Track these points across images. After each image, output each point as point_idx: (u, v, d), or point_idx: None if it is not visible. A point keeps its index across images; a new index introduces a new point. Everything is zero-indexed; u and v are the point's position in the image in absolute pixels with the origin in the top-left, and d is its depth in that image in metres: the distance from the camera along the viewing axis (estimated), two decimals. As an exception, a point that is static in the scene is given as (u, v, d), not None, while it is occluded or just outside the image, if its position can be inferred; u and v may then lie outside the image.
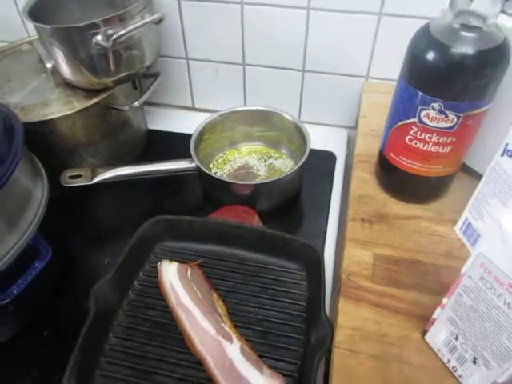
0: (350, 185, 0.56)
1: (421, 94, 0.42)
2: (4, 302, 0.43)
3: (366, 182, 0.56)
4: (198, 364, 0.46)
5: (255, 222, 0.59)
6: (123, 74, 0.62)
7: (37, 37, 0.71)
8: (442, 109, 0.41)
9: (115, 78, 0.61)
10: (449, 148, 0.44)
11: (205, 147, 0.67)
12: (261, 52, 0.73)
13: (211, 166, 0.71)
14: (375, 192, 0.54)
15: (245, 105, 0.81)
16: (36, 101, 0.62)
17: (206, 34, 0.73)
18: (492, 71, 0.39)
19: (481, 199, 0.44)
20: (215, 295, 0.52)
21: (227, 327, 0.49)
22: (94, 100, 0.61)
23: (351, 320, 0.42)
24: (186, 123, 0.80)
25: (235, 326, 0.49)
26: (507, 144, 0.38)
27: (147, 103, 0.79)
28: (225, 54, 0.75)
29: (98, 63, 0.59)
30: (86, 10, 0.66)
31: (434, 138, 0.44)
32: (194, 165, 0.62)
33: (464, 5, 0.38)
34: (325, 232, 0.63)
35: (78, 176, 0.60)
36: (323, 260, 0.51)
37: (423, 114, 0.42)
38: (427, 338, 0.40)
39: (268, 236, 0.56)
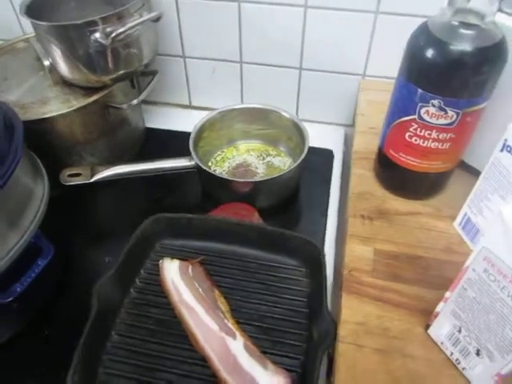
0: (350, 182, 0.56)
1: (420, 91, 0.42)
2: (8, 300, 0.43)
3: (365, 178, 0.56)
4: (202, 360, 0.47)
5: (255, 219, 0.59)
6: (121, 72, 0.61)
7: (33, 35, 0.71)
8: (442, 105, 0.41)
9: (113, 75, 0.61)
10: (448, 144, 0.45)
11: (204, 145, 0.67)
12: (258, 50, 0.73)
13: (210, 163, 0.71)
14: (374, 189, 0.55)
15: (242, 103, 0.81)
16: (34, 99, 0.62)
17: (203, 32, 0.73)
18: (490, 68, 0.40)
19: (480, 195, 0.44)
20: (217, 292, 0.52)
21: (230, 324, 0.49)
22: (93, 98, 0.60)
23: (354, 315, 0.42)
24: (183, 121, 0.80)
25: (238, 323, 0.49)
26: (506, 140, 0.39)
27: (144, 101, 0.78)
28: (222, 52, 0.75)
29: (96, 61, 0.59)
30: (83, 8, 0.66)
31: (434, 135, 0.44)
32: (193, 163, 0.62)
33: (462, 3, 0.39)
34: (324, 228, 0.63)
35: (77, 174, 0.60)
36: (324, 256, 0.51)
37: (423, 110, 0.43)
38: (430, 331, 0.40)
39: (268, 233, 0.56)
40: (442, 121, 0.43)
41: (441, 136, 0.44)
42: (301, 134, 0.64)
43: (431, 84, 0.41)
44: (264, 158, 0.72)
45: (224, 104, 0.69)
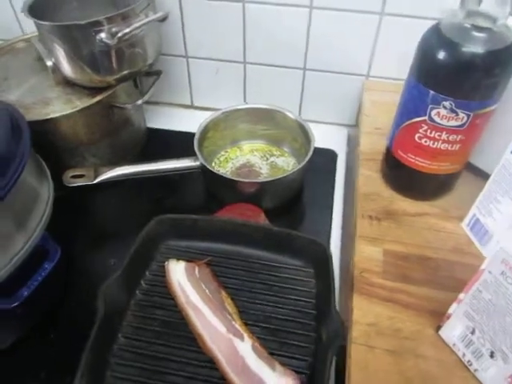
0: (356, 183, 0.56)
1: (432, 92, 0.42)
2: (14, 305, 0.43)
3: (372, 179, 0.56)
4: (210, 362, 0.46)
5: (261, 220, 0.59)
6: (125, 72, 0.61)
7: (33, 34, 0.70)
8: (453, 107, 0.41)
9: (118, 75, 0.61)
10: (458, 146, 0.45)
11: (208, 145, 0.67)
12: (262, 50, 0.72)
13: (213, 164, 0.71)
14: (381, 189, 0.55)
15: (245, 103, 0.81)
16: (35, 99, 0.61)
17: (207, 33, 0.72)
18: (502, 70, 0.40)
19: (489, 196, 0.44)
20: (224, 293, 0.52)
21: (238, 325, 0.49)
22: (97, 98, 0.60)
23: (365, 316, 0.42)
24: (184, 121, 0.80)
25: (245, 324, 0.49)
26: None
27: (146, 101, 0.78)
28: (226, 53, 0.74)
29: (100, 61, 0.58)
30: (85, 8, 0.65)
31: (444, 136, 0.44)
32: (197, 163, 0.62)
33: (473, 5, 0.39)
34: (329, 229, 0.63)
35: (80, 176, 0.60)
36: (331, 257, 0.51)
37: (434, 112, 0.43)
38: (441, 332, 0.40)
39: (274, 234, 0.56)
40: (453, 122, 0.43)
41: (451, 138, 0.44)
42: (306, 135, 0.64)
43: (443, 86, 0.41)
44: (268, 159, 0.72)
45: (226, 104, 0.69)
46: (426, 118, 0.44)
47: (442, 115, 0.43)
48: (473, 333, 0.36)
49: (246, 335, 0.48)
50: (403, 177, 0.52)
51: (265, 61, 0.74)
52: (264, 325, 0.49)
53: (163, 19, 0.56)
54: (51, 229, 0.50)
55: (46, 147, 0.58)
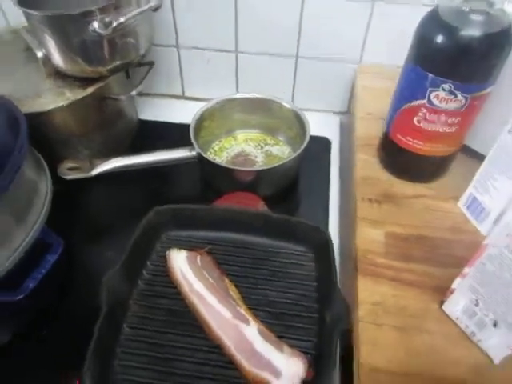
0: (354, 167, 0.57)
1: (431, 75, 0.43)
2: (19, 297, 0.42)
3: (369, 164, 0.57)
4: (217, 348, 0.47)
5: (261, 207, 0.60)
6: (118, 63, 0.60)
7: (20, 26, 0.68)
8: (452, 89, 0.43)
9: (110, 66, 0.60)
10: (455, 128, 0.46)
11: (204, 135, 0.67)
12: (254, 39, 0.72)
13: (208, 153, 0.71)
14: (379, 173, 0.56)
15: (237, 92, 0.81)
16: (27, 92, 0.60)
17: (198, 22, 0.72)
18: (499, 53, 0.41)
19: (486, 175, 0.46)
20: (227, 281, 0.52)
21: (243, 310, 0.49)
22: (91, 89, 0.59)
23: (371, 295, 0.43)
24: (176, 112, 0.80)
25: (250, 309, 0.50)
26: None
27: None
28: (217, 42, 0.74)
29: (92, 51, 0.57)
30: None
31: (443, 119, 0.45)
32: (194, 153, 0.62)
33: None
34: (327, 213, 0.64)
35: (75, 168, 0.59)
36: (331, 240, 0.52)
37: (433, 95, 0.44)
38: (445, 307, 0.42)
39: (274, 220, 0.57)
40: (452, 105, 0.44)
41: (449, 120, 0.45)
42: (301, 124, 0.65)
43: (443, 69, 0.42)
44: (262, 147, 0.72)
45: (218, 94, 0.69)
46: (425, 101, 0.45)
47: (441, 98, 0.44)
48: (476, 305, 0.38)
49: (251, 320, 0.48)
50: (401, 160, 0.53)
51: (257, 49, 0.74)
52: (268, 309, 0.50)
53: (156, 8, 0.55)
54: (47, 222, 0.49)
55: (39, 140, 0.57)
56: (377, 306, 0.42)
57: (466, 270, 0.38)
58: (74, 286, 0.56)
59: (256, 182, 0.62)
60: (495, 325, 0.36)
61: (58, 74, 0.62)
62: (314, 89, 0.78)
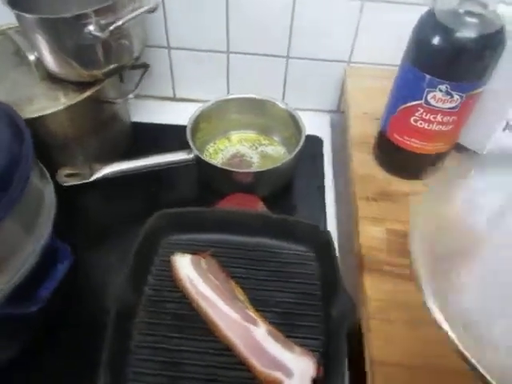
0: (351, 166, 0.58)
1: (428, 76, 0.45)
2: (35, 308, 0.41)
3: (365, 162, 0.59)
4: (227, 350, 0.47)
5: (260, 208, 0.60)
6: (113, 66, 0.59)
7: (8, 27, 0.66)
8: (449, 90, 0.44)
9: (105, 69, 0.59)
10: (450, 126, 0.48)
11: (200, 137, 0.67)
12: (246, 39, 0.73)
13: (204, 155, 0.71)
14: (376, 171, 0.57)
15: (228, 93, 0.81)
16: (19, 96, 0.59)
17: (190, 23, 0.71)
18: (492, 53, 0.43)
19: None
20: (233, 283, 0.53)
21: (251, 312, 0.50)
22: (87, 93, 0.58)
23: (378, 292, 0.45)
24: (168, 114, 0.79)
25: (257, 311, 0.50)
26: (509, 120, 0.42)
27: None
28: (209, 43, 0.74)
29: (87, 55, 0.56)
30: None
31: (439, 118, 0.47)
32: (191, 155, 0.62)
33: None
34: (324, 212, 0.65)
35: (74, 174, 0.58)
36: (332, 238, 0.53)
37: (430, 95, 0.45)
38: (449, 300, 0.43)
39: (274, 220, 0.57)
40: (448, 104, 0.45)
41: (445, 119, 0.47)
42: (296, 124, 0.66)
43: (440, 70, 0.44)
44: (257, 148, 0.73)
45: (210, 95, 0.69)
46: (422, 101, 0.46)
47: (438, 98, 0.45)
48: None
49: (259, 321, 0.49)
50: (398, 158, 0.55)
51: (248, 50, 0.74)
52: (274, 309, 0.51)
53: (153, 10, 0.55)
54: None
55: (35, 147, 0.56)
56: (384, 302, 0.44)
57: (471, 264, 0.39)
58: (79, 293, 0.55)
59: (254, 182, 0.63)
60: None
61: (52, 78, 0.61)
62: (304, 88, 0.79)
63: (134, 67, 0.66)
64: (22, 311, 0.42)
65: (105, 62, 0.58)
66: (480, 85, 0.45)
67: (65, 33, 0.54)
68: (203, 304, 0.50)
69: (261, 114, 0.71)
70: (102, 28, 0.53)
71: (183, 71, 0.79)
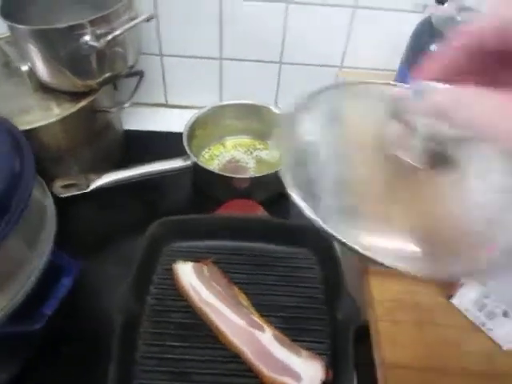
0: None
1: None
2: (38, 326, 0.40)
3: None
4: (234, 357, 0.47)
5: (260, 213, 0.60)
6: (108, 75, 0.59)
7: (-1, 37, 0.65)
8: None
9: (100, 79, 0.58)
10: (448, 130, 0.49)
11: (196, 143, 0.67)
12: (239, 46, 0.73)
13: (199, 162, 0.71)
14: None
15: (221, 99, 0.81)
16: (13, 108, 0.58)
17: (182, 30, 0.71)
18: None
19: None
20: (236, 289, 0.53)
21: (256, 318, 0.50)
22: (82, 103, 0.58)
23: (384, 294, 0.45)
24: (160, 121, 0.79)
25: (262, 316, 0.50)
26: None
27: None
28: (201, 49, 0.74)
29: (83, 65, 0.56)
30: (55, 8, 0.62)
31: (437, 122, 0.48)
32: (189, 162, 0.62)
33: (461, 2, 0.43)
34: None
35: (70, 185, 0.57)
36: (333, 242, 0.53)
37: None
38: (454, 300, 0.44)
39: (275, 225, 0.58)
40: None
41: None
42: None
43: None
44: (252, 153, 0.73)
45: (202, 102, 0.69)
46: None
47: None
48: (487, 297, 0.40)
49: (265, 326, 0.49)
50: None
51: (241, 56, 0.74)
52: (278, 314, 0.51)
53: (149, 20, 0.55)
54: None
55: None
56: (391, 304, 0.44)
57: (476, 264, 0.40)
58: (78, 306, 0.54)
59: (251, 188, 0.63)
60: (506, 314, 0.39)
61: (45, 88, 0.60)
62: (296, 93, 0.79)
63: (128, 75, 0.66)
64: (25, 329, 0.41)
65: (99, 71, 0.58)
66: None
67: (60, 43, 0.53)
68: (207, 311, 0.50)
69: (256, 119, 0.71)
70: (98, 38, 0.52)
71: (175, 78, 0.79)
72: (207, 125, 0.69)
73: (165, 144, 0.71)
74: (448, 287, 0.45)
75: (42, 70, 0.56)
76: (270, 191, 0.66)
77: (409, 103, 0.22)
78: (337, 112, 0.31)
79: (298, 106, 0.30)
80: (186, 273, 0.53)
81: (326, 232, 0.23)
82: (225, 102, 0.69)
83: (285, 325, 0.50)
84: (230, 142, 0.74)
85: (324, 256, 0.55)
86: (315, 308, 0.52)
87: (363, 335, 0.48)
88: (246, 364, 0.47)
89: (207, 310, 0.50)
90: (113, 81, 0.62)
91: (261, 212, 0.61)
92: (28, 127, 0.54)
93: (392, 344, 0.41)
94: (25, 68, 0.57)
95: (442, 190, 0.25)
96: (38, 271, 0.40)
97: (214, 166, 0.71)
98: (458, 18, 0.43)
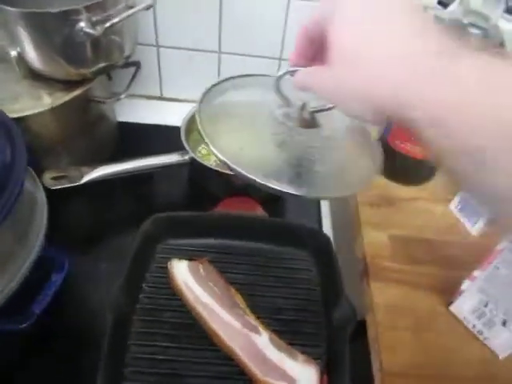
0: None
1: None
2: (26, 324, 0.39)
3: (362, 167, 0.58)
4: (227, 359, 0.46)
5: (259, 211, 0.59)
6: (103, 65, 0.57)
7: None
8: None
9: (94, 68, 0.56)
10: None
11: (193, 138, 0.65)
12: (239, 40, 0.71)
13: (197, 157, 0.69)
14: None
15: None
16: (1, 96, 0.55)
17: (180, 21, 0.69)
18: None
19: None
20: (233, 289, 0.52)
21: (252, 320, 0.49)
22: (75, 92, 0.55)
23: (385, 299, 0.45)
24: (155, 114, 0.77)
25: (258, 318, 0.49)
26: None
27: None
28: (200, 42, 0.72)
29: (77, 52, 0.53)
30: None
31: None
32: (186, 157, 0.60)
33: (468, 5, 0.42)
34: (319, 216, 0.65)
35: (61, 177, 0.55)
36: (331, 244, 0.53)
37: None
38: (452, 308, 0.44)
39: (272, 224, 0.57)
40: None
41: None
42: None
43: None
44: (247, 149, 0.72)
45: (198, 95, 0.67)
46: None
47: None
48: (486, 305, 0.40)
49: (261, 328, 0.48)
50: (398, 164, 0.55)
51: (241, 51, 0.73)
52: (275, 316, 0.50)
53: (148, 8, 0.53)
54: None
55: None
56: (391, 309, 0.44)
57: (476, 272, 0.40)
58: (68, 302, 0.52)
59: (249, 185, 0.61)
60: (504, 324, 0.39)
61: (34, 76, 0.58)
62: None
63: (124, 66, 0.64)
64: (13, 327, 0.39)
65: (94, 60, 0.55)
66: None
67: (53, 29, 0.51)
68: (203, 312, 0.49)
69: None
70: (94, 25, 0.50)
71: (172, 70, 0.77)
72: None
73: (159, 138, 0.69)
74: (446, 294, 0.44)
75: (34, 57, 0.54)
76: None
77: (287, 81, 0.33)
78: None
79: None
80: (182, 271, 0.52)
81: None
82: (223, 96, 0.67)
83: (281, 327, 0.49)
84: (225, 137, 0.72)
85: (322, 257, 0.54)
86: (311, 311, 0.51)
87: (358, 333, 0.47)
88: (240, 367, 0.46)
89: (202, 310, 0.49)
90: (108, 71, 0.60)
91: (259, 210, 0.59)
92: (16, 115, 0.52)
93: (390, 351, 0.41)
94: (14, 53, 0.55)
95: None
96: (27, 265, 0.38)
97: (211, 161, 0.69)
98: (465, 21, 0.42)
